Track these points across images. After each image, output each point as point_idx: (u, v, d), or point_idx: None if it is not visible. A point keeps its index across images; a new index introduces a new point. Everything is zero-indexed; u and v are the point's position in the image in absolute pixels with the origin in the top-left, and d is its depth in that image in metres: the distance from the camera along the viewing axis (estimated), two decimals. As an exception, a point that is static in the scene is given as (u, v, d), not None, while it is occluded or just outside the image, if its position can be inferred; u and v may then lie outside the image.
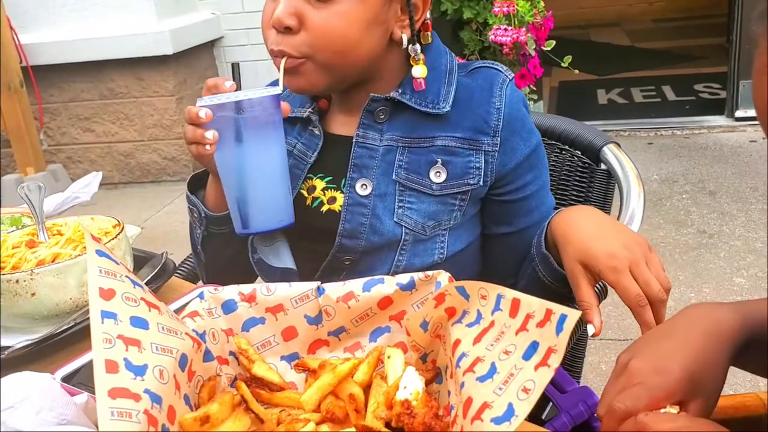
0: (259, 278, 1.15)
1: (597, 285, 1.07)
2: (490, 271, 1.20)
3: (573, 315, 0.57)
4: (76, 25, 4.23)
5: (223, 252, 1.15)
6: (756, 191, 3.40)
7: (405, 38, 1.02)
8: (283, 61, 0.98)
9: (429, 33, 1.07)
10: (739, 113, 4.26)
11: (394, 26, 1.02)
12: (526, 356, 0.59)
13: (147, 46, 4.13)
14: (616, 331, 2.46)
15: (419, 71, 1.03)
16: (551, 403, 1.13)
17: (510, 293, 0.65)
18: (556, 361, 0.56)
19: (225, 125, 0.92)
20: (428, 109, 1.04)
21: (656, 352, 0.70)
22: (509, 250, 1.14)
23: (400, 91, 1.04)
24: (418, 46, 1.03)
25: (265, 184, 0.94)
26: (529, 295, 0.63)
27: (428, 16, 1.05)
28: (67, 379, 0.81)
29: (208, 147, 0.93)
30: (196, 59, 4.50)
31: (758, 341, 0.73)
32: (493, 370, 0.61)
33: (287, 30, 0.97)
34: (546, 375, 0.56)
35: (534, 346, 0.59)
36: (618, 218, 1.28)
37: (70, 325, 0.94)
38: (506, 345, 0.62)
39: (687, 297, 2.62)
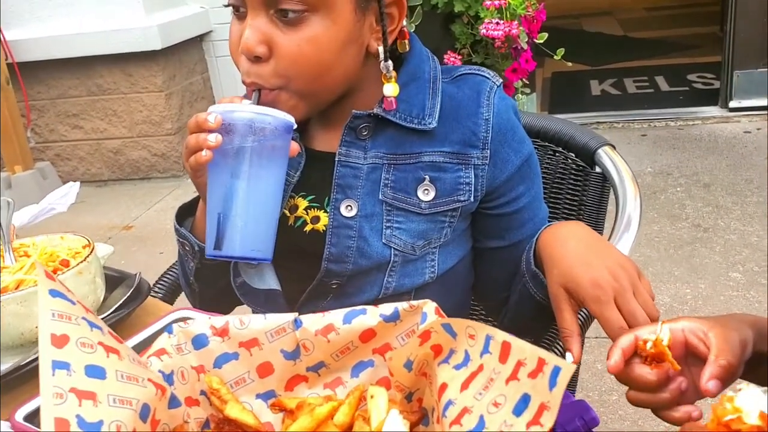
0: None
1: (582, 312, 1.04)
2: (482, 286, 1.16)
3: (567, 369, 0.53)
4: (62, 20, 4.16)
5: (217, 281, 1.10)
6: (751, 183, 3.37)
7: (381, 50, 0.96)
8: (254, 95, 0.93)
9: (406, 41, 1.00)
10: (733, 104, 4.23)
11: (369, 39, 0.96)
12: (517, 411, 0.55)
13: (135, 41, 4.06)
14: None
15: (390, 89, 0.97)
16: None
17: (500, 335, 0.60)
18: (549, 420, 0.52)
19: (231, 136, 0.86)
20: (414, 125, 0.99)
21: None
22: (501, 264, 1.09)
23: (383, 106, 0.99)
24: (390, 63, 0.97)
25: (255, 204, 0.87)
26: (521, 340, 0.59)
27: (405, 23, 0.99)
28: (29, 418, 0.76)
29: (204, 153, 0.86)
30: (186, 54, 4.43)
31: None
32: (481, 423, 0.56)
33: (257, 59, 0.92)
34: None
35: (525, 400, 0.55)
36: (614, 222, 1.24)
37: (36, 356, 0.89)
38: (495, 395, 0.57)
39: (682, 293, 2.59)
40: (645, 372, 0.73)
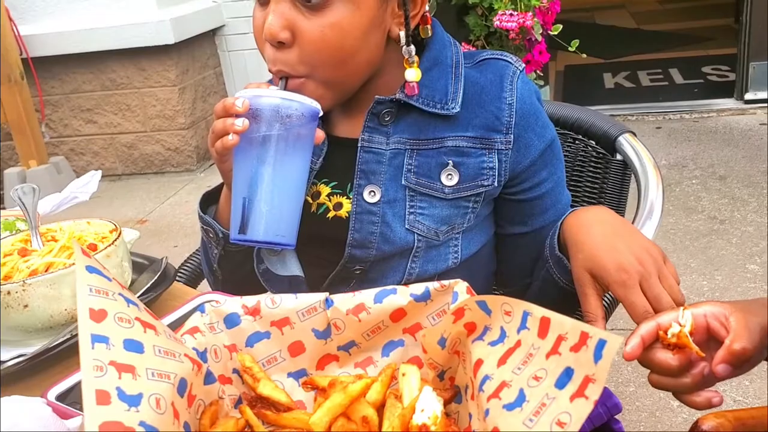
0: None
1: (606, 296, 1.03)
2: (504, 272, 1.15)
3: (613, 341, 0.52)
4: (76, 15, 4.18)
5: (241, 268, 1.10)
6: (767, 175, 3.35)
7: (402, 36, 0.95)
8: (281, 83, 0.93)
9: (429, 26, 1.00)
10: (748, 96, 4.20)
11: (391, 24, 0.96)
12: (560, 384, 0.54)
13: (148, 35, 4.07)
14: (628, 320, 2.42)
15: (412, 74, 0.97)
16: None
17: (538, 310, 0.60)
18: (595, 392, 0.51)
19: (258, 121, 0.86)
20: (437, 110, 0.99)
21: None
22: (524, 249, 1.09)
23: (405, 91, 0.99)
24: (412, 48, 0.96)
25: (280, 190, 0.87)
26: (561, 315, 0.58)
27: (427, 8, 0.99)
28: (61, 398, 0.77)
29: (230, 137, 0.86)
30: (198, 48, 4.44)
31: None
32: (521, 397, 0.56)
33: (280, 44, 0.92)
34: (584, 408, 0.51)
35: (568, 373, 0.54)
36: (636, 210, 1.23)
37: (65, 338, 0.89)
38: (535, 369, 0.57)
39: (699, 285, 2.58)
40: (667, 357, 0.72)
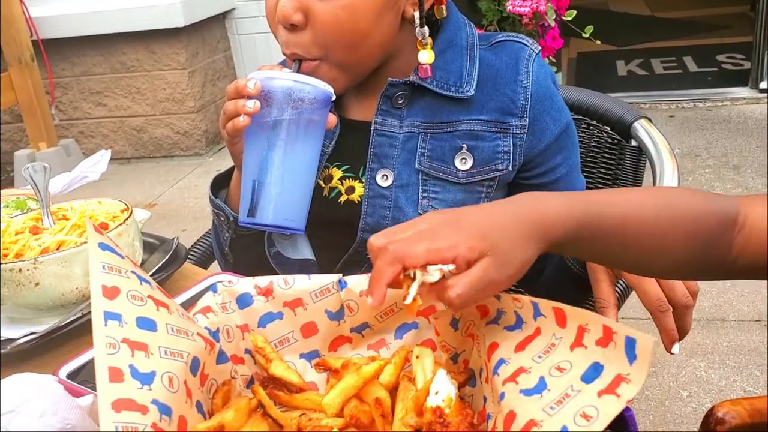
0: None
1: (620, 283, 1.02)
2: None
3: (645, 342, 0.51)
4: (86, -3, 4.17)
5: (252, 252, 1.09)
6: (781, 164, 3.32)
7: (417, 17, 0.94)
8: (294, 66, 0.92)
9: (443, 6, 0.98)
10: (763, 85, 4.16)
11: (405, 5, 0.94)
12: (587, 378, 0.53)
13: (158, 18, 4.06)
14: (638, 310, 2.41)
15: (425, 56, 0.96)
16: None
17: (544, 302, 0.59)
18: (629, 392, 0.50)
19: (269, 103, 0.85)
20: (451, 93, 0.97)
21: (455, 211, 0.63)
22: None
23: (419, 73, 0.97)
24: (426, 30, 0.95)
25: (290, 174, 0.86)
26: (570, 306, 0.57)
27: None
28: (72, 376, 0.77)
29: (242, 119, 0.85)
30: (208, 31, 4.43)
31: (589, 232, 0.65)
32: (542, 385, 0.55)
33: (293, 27, 0.91)
34: (614, 405, 0.50)
35: (596, 369, 0.53)
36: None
37: (76, 317, 0.89)
38: (559, 360, 0.56)
39: (711, 275, 2.56)
40: None
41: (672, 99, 4.30)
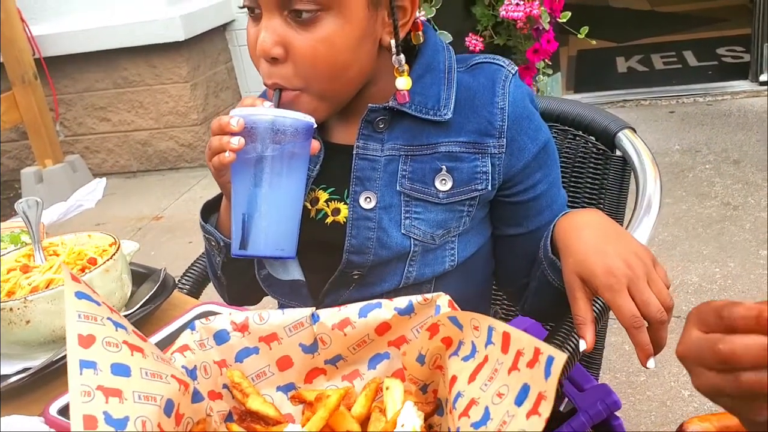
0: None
1: (598, 302, 1.04)
2: (502, 272, 1.16)
3: (559, 358, 0.53)
4: (86, 14, 4.21)
5: (245, 274, 1.12)
6: (782, 159, 3.32)
7: (393, 44, 0.96)
8: (275, 95, 0.95)
9: (420, 33, 1.01)
10: (763, 77, 4.15)
11: (382, 33, 0.97)
12: (518, 401, 0.56)
13: (158, 32, 4.10)
14: (639, 311, 2.42)
15: (402, 83, 0.98)
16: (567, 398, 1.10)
17: (501, 326, 0.62)
18: (546, 410, 0.53)
19: (253, 138, 0.88)
20: (430, 117, 1.00)
21: None
22: (521, 250, 1.10)
23: (397, 98, 1.00)
24: (402, 57, 0.97)
25: (278, 206, 0.89)
26: (519, 330, 0.60)
27: (418, 14, 0.99)
28: (62, 412, 0.80)
29: (227, 154, 0.88)
30: (209, 44, 4.46)
31: None
32: (486, 416, 0.57)
33: (274, 60, 0.93)
34: (537, 425, 0.53)
35: (525, 390, 0.56)
36: (634, 206, 1.24)
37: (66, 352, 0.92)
38: (499, 386, 0.59)
39: (711, 272, 2.57)
40: None
41: (672, 94, 4.30)
